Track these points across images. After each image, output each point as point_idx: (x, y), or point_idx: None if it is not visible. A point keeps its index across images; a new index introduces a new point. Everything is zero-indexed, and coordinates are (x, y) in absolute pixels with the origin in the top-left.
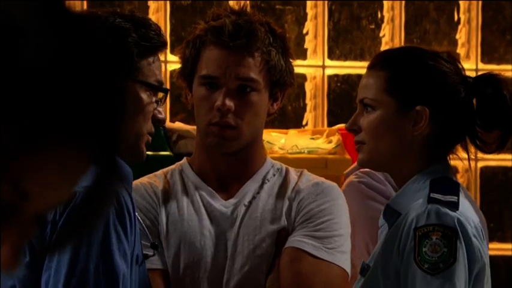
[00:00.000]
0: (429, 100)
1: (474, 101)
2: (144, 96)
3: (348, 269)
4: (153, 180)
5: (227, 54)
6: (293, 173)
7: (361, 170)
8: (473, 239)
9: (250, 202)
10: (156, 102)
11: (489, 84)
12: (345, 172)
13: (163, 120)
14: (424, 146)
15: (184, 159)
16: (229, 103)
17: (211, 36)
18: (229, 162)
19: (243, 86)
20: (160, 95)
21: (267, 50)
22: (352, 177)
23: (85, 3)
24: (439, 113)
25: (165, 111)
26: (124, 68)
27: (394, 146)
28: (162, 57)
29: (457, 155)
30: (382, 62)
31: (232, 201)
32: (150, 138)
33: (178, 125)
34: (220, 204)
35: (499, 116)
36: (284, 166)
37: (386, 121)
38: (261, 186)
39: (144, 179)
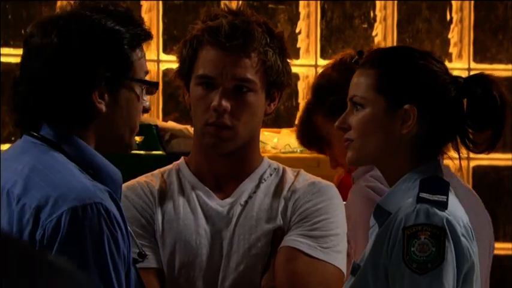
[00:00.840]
0: (418, 99)
1: (465, 101)
2: (138, 91)
3: (344, 269)
4: (150, 179)
5: (224, 54)
6: (290, 173)
7: (370, 173)
8: (462, 239)
9: (246, 201)
10: (142, 91)
11: (479, 85)
12: (352, 174)
13: (149, 108)
14: (413, 145)
15: (182, 159)
16: (225, 103)
17: (208, 36)
18: (226, 162)
19: (240, 86)
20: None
21: (264, 51)
22: (361, 181)
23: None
24: (428, 112)
25: (157, 110)
26: (121, 69)
27: (382, 144)
28: (154, 56)
29: (448, 155)
30: (372, 61)
31: (228, 200)
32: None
33: (171, 124)
34: (217, 204)
35: (489, 116)
36: (281, 166)
37: (374, 119)
38: (258, 186)
39: (141, 178)
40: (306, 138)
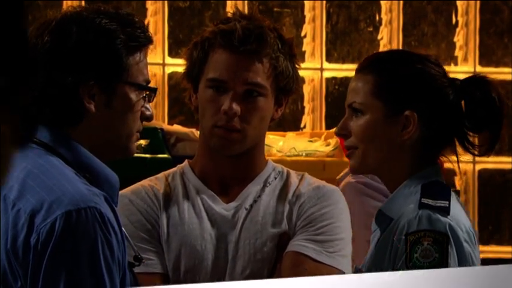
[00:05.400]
0: (418, 104)
1: (463, 103)
2: (133, 96)
3: (349, 273)
4: (154, 183)
5: (236, 58)
6: (294, 176)
7: None
8: (465, 244)
9: (251, 205)
10: (143, 98)
11: (477, 87)
12: (337, 177)
13: (151, 117)
14: (414, 149)
15: (186, 162)
16: (236, 107)
17: (221, 40)
18: (232, 164)
19: (250, 90)
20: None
21: (276, 56)
22: (349, 178)
23: (83, 3)
24: (428, 117)
25: (163, 114)
26: (113, 70)
27: (383, 150)
28: (160, 60)
29: (449, 158)
30: (370, 66)
31: (233, 204)
32: (139, 135)
33: (176, 127)
34: (222, 208)
35: (488, 118)
36: (285, 169)
37: (375, 125)
38: (263, 189)
39: (146, 182)
40: None
